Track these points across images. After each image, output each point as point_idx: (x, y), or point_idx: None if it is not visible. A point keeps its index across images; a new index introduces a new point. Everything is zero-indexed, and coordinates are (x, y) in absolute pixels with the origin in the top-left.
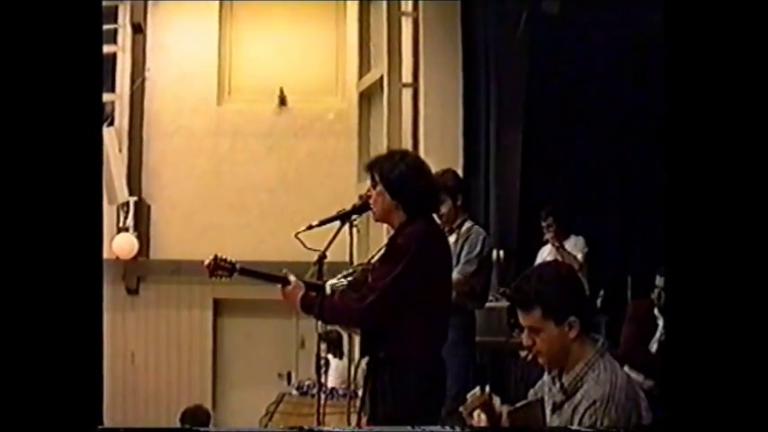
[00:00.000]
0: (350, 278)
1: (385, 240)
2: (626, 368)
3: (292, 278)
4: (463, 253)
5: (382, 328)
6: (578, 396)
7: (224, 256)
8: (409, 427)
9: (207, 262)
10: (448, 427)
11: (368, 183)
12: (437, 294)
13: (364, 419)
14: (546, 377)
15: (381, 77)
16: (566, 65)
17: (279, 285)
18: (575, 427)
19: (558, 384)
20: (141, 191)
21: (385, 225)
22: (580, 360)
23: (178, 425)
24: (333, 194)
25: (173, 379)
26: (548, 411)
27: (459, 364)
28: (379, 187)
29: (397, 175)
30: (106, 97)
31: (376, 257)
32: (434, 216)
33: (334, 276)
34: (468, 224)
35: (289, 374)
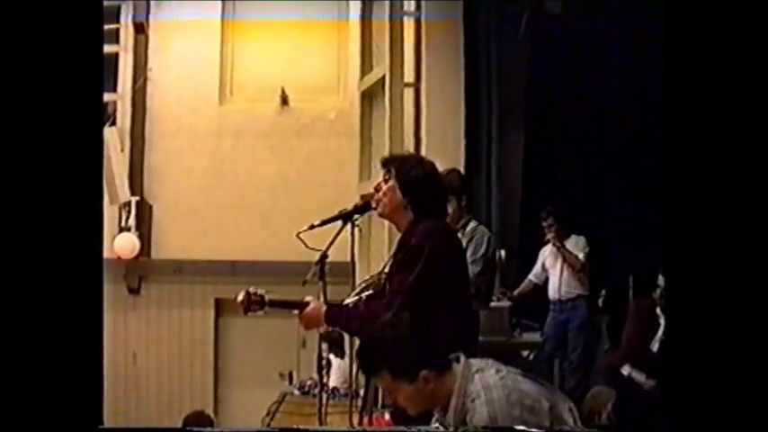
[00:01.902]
0: (366, 293)
1: (387, 239)
2: (627, 367)
3: (311, 299)
4: (468, 253)
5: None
6: (470, 425)
7: (254, 290)
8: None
9: (240, 298)
10: (441, 428)
11: (369, 182)
12: (458, 290)
13: (366, 419)
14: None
15: (383, 77)
16: (567, 65)
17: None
18: None
19: (445, 425)
20: (143, 190)
21: (387, 225)
22: (451, 395)
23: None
24: (334, 194)
25: (174, 378)
26: None
27: None
28: (392, 182)
29: (414, 175)
30: (108, 97)
31: (389, 265)
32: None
33: (335, 276)
34: (472, 224)
35: (290, 374)
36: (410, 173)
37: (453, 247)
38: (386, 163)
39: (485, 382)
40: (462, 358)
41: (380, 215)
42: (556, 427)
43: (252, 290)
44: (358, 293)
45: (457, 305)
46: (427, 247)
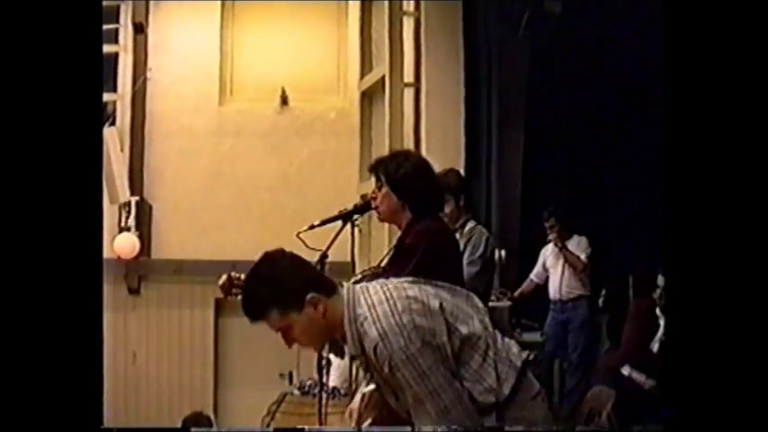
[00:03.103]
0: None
1: (387, 239)
2: (627, 367)
3: None
4: (466, 253)
5: None
6: (367, 348)
7: (237, 275)
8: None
9: (221, 282)
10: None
11: (370, 182)
12: None
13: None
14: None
15: (383, 77)
16: (567, 64)
17: None
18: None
19: (353, 359)
20: (143, 190)
21: (387, 224)
22: (342, 321)
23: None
24: (334, 194)
25: (174, 379)
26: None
27: None
28: (385, 188)
29: (403, 175)
30: (108, 97)
31: (385, 261)
32: (440, 215)
33: (336, 276)
34: (470, 224)
35: (290, 374)
36: (398, 173)
37: (448, 247)
38: (373, 169)
39: (369, 301)
40: (346, 283)
41: (381, 221)
42: (451, 320)
43: (234, 274)
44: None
45: None
46: (421, 248)
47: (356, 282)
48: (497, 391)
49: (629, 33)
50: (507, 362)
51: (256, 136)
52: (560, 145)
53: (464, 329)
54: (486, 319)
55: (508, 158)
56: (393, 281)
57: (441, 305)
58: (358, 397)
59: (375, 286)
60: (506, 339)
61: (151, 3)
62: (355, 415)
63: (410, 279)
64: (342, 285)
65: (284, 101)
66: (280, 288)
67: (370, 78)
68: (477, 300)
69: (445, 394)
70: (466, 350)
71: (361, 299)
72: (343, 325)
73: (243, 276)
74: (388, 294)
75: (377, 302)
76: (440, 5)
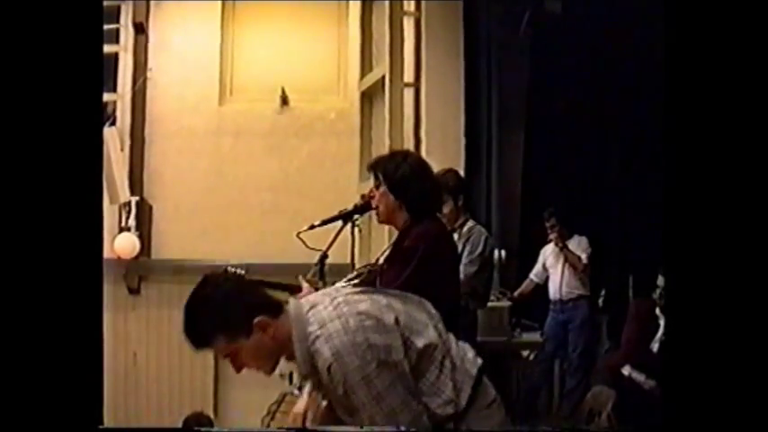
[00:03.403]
0: (355, 281)
1: (387, 240)
2: (627, 367)
3: (304, 285)
4: (465, 253)
5: None
6: (320, 367)
7: (234, 269)
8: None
9: None
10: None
11: (370, 182)
12: (446, 294)
13: None
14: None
15: (383, 77)
16: (568, 64)
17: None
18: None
19: (305, 378)
20: (143, 190)
21: (387, 225)
22: (291, 342)
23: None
24: (334, 194)
25: (174, 379)
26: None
27: None
28: (383, 188)
29: (401, 176)
30: (108, 97)
31: (381, 259)
32: (438, 215)
33: (335, 276)
34: (469, 224)
35: (290, 374)
36: (396, 174)
37: (446, 250)
38: (372, 168)
39: (320, 318)
40: (292, 299)
41: (380, 221)
42: (406, 333)
43: (231, 269)
44: (345, 283)
45: (446, 307)
46: (419, 252)
47: (351, 279)
48: (456, 403)
49: (630, 33)
50: (463, 370)
51: (256, 136)
52: (560, 145)
53: (420, 342)
54: (440, 326)
55: (508, 158)
56: (343, 292)
57: (396, 319)
58: (301, 403)
59: (324, 301)
60: (461, 344)
61: (152, 3)
62: (299, 421)
63: (359, 289)
64: (287, 302)
65: (284, 101)
66: (226, 314)
67: (370, 78)
68: (429, 306)
69: (402, 415)
70: (423, 363)
71: (310, 315)
72: (288, 346)
73: (240, 271)
74: (339, 310)
75: (327, 319)
76: (440, 5)
